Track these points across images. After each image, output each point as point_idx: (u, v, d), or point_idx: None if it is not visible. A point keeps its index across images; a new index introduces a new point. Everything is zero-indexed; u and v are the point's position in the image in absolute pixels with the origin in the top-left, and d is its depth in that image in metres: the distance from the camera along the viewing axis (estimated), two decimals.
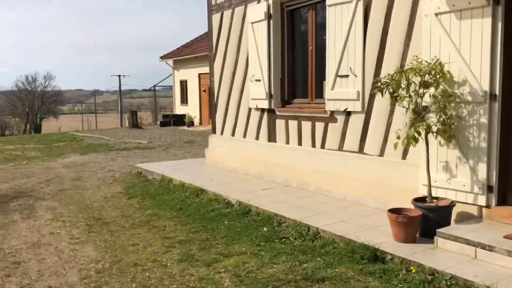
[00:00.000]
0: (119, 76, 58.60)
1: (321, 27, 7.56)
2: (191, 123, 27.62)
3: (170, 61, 32.18)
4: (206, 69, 28.66)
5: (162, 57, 32.21)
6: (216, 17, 9.75)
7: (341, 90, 6.80)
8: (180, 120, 28.58)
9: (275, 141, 8.33)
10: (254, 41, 8.39)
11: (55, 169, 12.24)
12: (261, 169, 8.59)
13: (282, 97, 8.26)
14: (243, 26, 8.84)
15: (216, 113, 10.08)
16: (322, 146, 7.31)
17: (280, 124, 8.17)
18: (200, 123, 28.93)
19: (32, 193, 9.20)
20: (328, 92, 7.02)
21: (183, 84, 31.44)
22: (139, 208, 7.61)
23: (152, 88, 36.93)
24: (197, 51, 29.02)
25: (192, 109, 29.60)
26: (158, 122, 31.60)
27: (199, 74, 29.20)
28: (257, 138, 8.77)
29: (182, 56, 30.10)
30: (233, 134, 9.51)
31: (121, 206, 7.85)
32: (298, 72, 8.21)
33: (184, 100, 31.48)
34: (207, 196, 7.59)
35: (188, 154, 14.35)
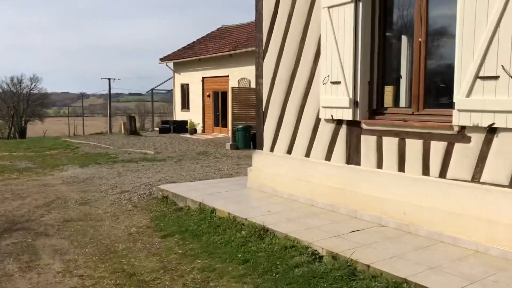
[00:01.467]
0: (109, 79, 56.24)
1: (437, 11, 5.58)
2: (194, 131, 25.50)
3: (171, 64, 30.05)
4: (211, 73, 26.64)
5: (162, 59, 30.06)
6: (268, 2, 7.72)
7: (483, 98, 4.80)
8: (181, 127, 26.44)
9: (358, 163, 6.30)
10: (332, 31, 6.37)
11: (54, 187, 10.06)
12: (335, 200, 6.55)
13: (369, 106, 6.25)
14: (312, 11, 6.83)
15: (264, 123, 8.02)
16: (442, 175, 5.30)
17: (367, 141, 6.15)
18: (203, 131, 26.84)
19: (29, 224, 7.04)
20: (459, 100, 5.01)
21: (184, 88, 29.31)
22: (183, 255, 5.50)
23: (149, 92, 34.54)
24: (201, 53, 26.98)
25: (194, 115, 27.47)
26: (157, 129, 29.39)
27: (203, 78, 27.11)
28: (328, 158, 6.73)
29: (184, 58, 27.99)
30: (289, 151, 7.46)
31: (156, 250, 5.73)
32: (393, 72, 6.23)
33: (185, 105, 29.33)
34: (277, 241, 5.51)
35: (208, 169, 12.27)
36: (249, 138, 17.77)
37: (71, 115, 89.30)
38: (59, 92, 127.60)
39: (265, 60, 7.89)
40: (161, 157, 15.16)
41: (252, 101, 19.44)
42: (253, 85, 22.50)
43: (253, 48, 22.27)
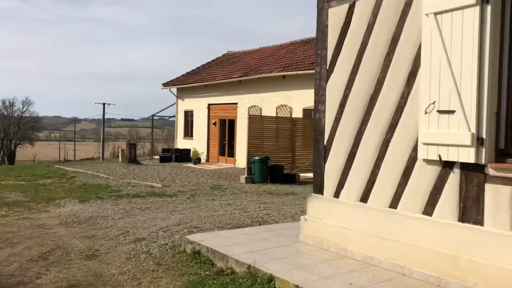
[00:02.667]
0: (103, 104, 54.86)
1: None
2: (198, 160, 23.78)
3: (174, 89, 28.51)
4: (218, 99, 25.02)
5: (165, 84, 28.56)
6: (336, 12, 6.17)
7: None
8: (184, 155, 24.68)
9: (478, 222, 4.62)
10: (442, 44, 4.79)
11: (51, 229, 8.27)
12: (440, 270, 4.84)
13: (496, 145, 4.62)
14: (406, 19, 5.27)
15: (325, 161, 6.35)
16: None
17: (497, 192, 4.49)
18: (207, 160, 25.15)
19: None
20: None
21: (188, 115, 27.70)
22: None
23: (148, 118, 32.86)
24: (207, 78, 25.51)
25: (198, 144, 25.81)
26: (157, 157, 27.59)
27: (209, 105, 25.57)
28: (428, 212, 5.05)
29: (189, 83, 26.48)
30: (364, 199, 5.78)
31: None
32: None
33: (188, 133, 27.68)
34: None
35: (230, 208, 10.55)
36: (267, 171, 16.07)
37: (62, 139, 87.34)
38: (50, 116, 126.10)
39: (329, 82, 6.28)
40: (170, 191, 13.40)
41: (268, 131, 17.83)
42: (264, 113, 20.95)
43: (266, 75, 21.01)
